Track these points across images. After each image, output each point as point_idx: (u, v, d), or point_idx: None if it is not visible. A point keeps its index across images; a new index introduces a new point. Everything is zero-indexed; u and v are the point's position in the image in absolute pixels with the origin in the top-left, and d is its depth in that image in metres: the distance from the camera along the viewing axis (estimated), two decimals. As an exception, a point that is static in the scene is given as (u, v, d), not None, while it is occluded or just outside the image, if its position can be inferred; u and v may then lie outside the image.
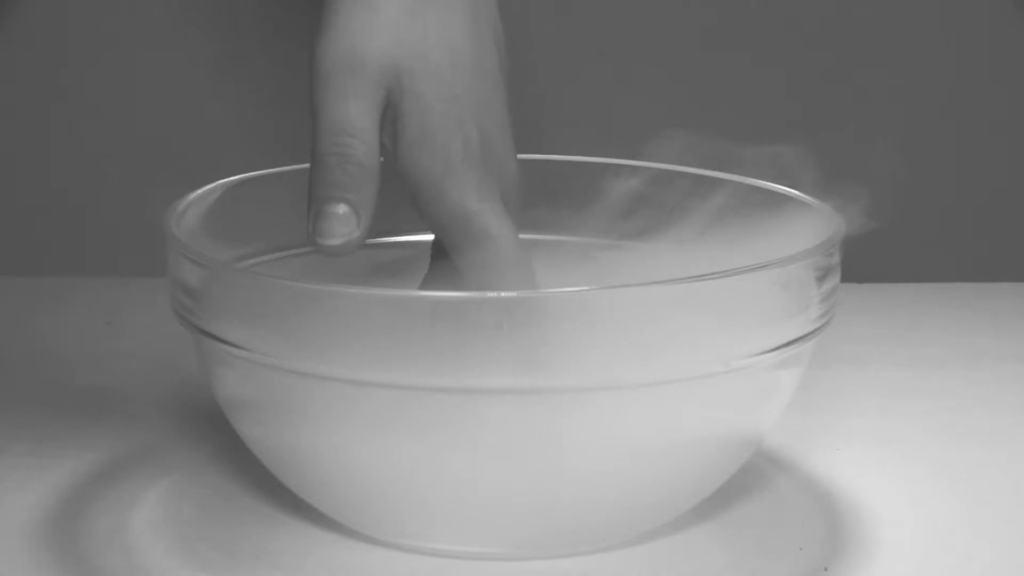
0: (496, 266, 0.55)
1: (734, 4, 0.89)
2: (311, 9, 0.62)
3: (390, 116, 0.56)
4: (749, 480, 0.63)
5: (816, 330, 0.55)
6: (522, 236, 0.58)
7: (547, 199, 0.66)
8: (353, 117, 0.54)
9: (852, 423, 0.70)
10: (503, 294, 0.51)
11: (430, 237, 0.59)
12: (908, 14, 0.90)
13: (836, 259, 0.56)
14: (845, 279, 0.58)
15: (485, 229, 0.56)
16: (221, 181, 0.63)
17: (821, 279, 0.55)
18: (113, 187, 0.89)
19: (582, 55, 0.89)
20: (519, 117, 0.59)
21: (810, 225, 0.59)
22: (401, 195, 0.57)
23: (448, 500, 0.53)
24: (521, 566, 0.56)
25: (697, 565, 0.57)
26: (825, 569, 0.56)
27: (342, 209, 0.53)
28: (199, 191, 0.62)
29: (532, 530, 0.55)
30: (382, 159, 0.56)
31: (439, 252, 0.58)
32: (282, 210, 0.62)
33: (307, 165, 0.63)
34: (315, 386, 0.52)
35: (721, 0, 0.89)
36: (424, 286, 0.59)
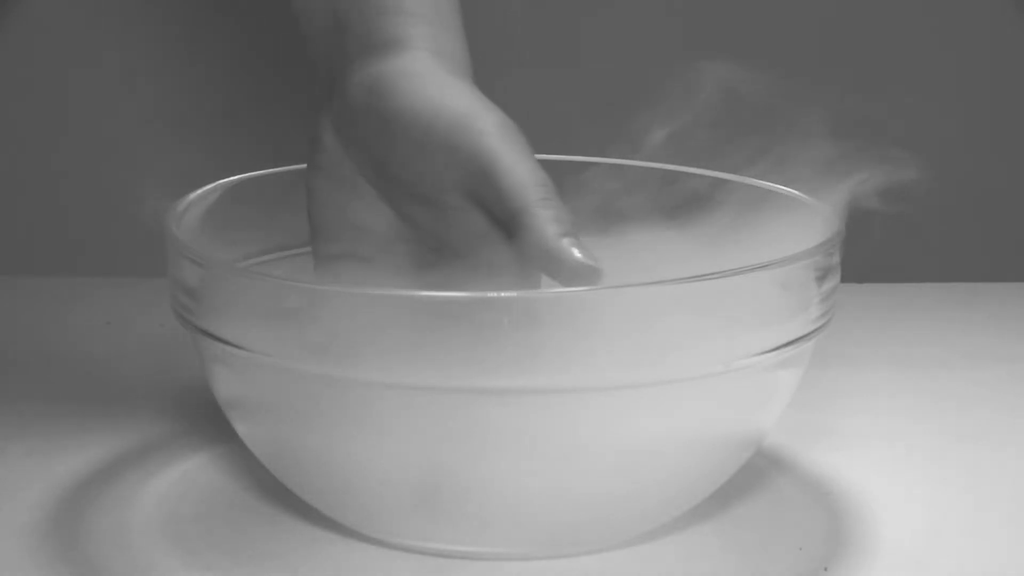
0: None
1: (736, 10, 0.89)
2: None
3: None
4: (749, 480, 0.63)
5: (816, 330, 0.55)
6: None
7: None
8: (543, 173, 0.58)
9: (852, 423, 0.70)
10: (503, 294, 0.51)
11: None
12: (907, 15, 0.90)
13: (836, 259, 0.56)
14: (845, 279, 0.58)
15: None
16: (221, 181, 0.63)
17: (821, 279, 0.55)
18: (113, 187, 0.89)
19: (583, 54, 0.89)
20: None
21: (810, 225, 0.59)
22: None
23: (448, 500, 0.53)
24: (521, 566, 0.56)
25: (697, 565, 0.57)
26: (825, 569, 0.56)
27: (578, 243, 0.56)
28: (199, 191, 0.62)
29: (532, 530, 0.55)
30: None
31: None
32: (282, 210, 0.62)
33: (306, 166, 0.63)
34: (315, 386, 0.52)
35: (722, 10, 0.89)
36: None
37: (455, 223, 0.59)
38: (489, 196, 0.57)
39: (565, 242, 0.55)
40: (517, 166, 0.57)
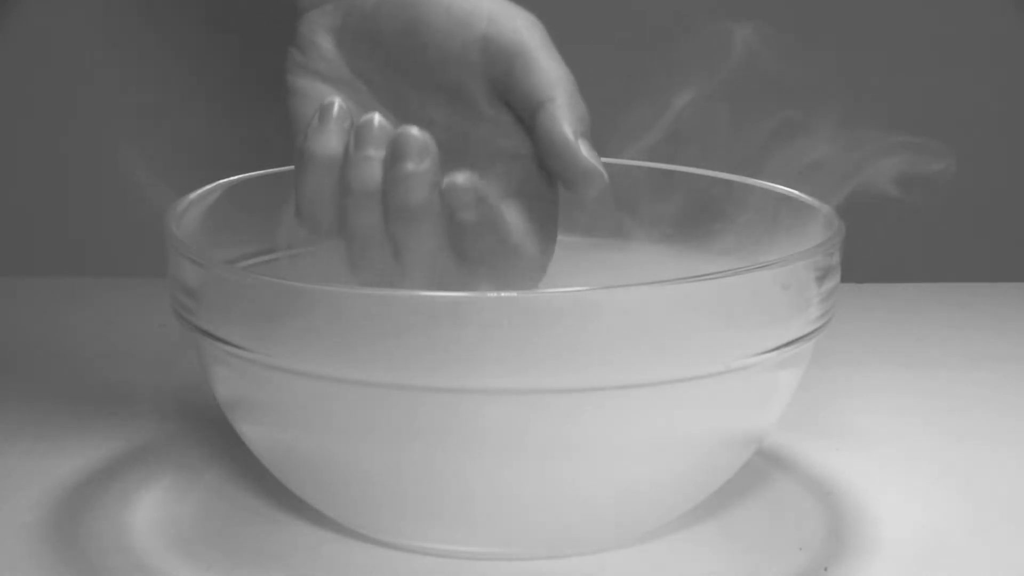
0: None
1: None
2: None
3: None
4: (749, 480, 0.63)
5: (816, 330, 0.55)
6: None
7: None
8: (572, 76, 0.60)
9: (852, 423, 0.70)
10: (503, 294, 0.51)
11: None
12: (906, 14, 0.90)
13: (836, 259, 0.56)
14: (845, 279, 0.58)
15: None
16: (221, 181, 0.63)
17: (821, 279, 0.55)
18: (113, 187, 0.89)
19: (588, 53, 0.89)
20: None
21: (810, 225, 0.59)
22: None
23: (448, 500, 0.53)
24: (521, 566, 0.56)
25: (697, 565, 0.57)
26: (825, 569, 0.56)
27: (591, 147, 0.58)
28: (199, 191, 0.62)
29: (532, 530, 0.55)
30: None
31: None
32: (282, 210, 0.62)
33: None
34: (315, 386, 0.52)
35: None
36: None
37: (479, 116, 0.60)
38: (518, 88, 0.59)
39: (581, 142, 0.57)
40: (550, 63, 0.59)
